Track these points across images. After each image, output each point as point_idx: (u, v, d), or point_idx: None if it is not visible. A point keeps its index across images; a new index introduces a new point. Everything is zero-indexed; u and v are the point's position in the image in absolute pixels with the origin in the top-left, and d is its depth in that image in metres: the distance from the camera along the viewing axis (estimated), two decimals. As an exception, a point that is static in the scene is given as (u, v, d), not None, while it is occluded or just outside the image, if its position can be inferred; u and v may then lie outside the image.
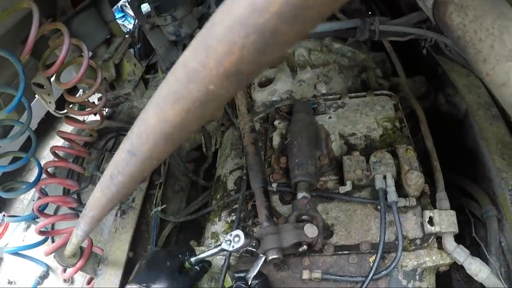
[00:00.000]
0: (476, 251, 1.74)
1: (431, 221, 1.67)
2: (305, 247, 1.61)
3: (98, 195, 1.02)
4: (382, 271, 1.60)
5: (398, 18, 2.59)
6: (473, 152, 2.13)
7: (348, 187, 1.80)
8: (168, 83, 0.57)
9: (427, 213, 1.68)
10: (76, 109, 3.11)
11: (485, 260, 1.70)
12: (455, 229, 1.66)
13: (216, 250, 1.60)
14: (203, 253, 1.64)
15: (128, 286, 1.52)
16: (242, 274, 1.63)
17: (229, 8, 0.43)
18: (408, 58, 2.82)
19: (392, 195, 1.68)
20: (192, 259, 1.63)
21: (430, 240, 1.70)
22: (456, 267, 2.05)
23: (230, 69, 0.46)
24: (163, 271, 1.56)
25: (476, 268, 1.62)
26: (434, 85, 2.65)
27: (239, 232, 1.55)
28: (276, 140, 2.15)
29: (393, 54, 2.62)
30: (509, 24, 1.16)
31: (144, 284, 1.49)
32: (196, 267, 1.65)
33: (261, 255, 1.58)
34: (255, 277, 1.58)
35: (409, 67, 2.68)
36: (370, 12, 3.12)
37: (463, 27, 1.27)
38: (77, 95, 3.43)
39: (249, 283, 1.58)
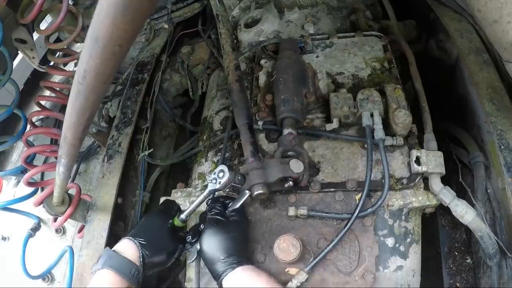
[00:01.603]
0: (463, 197, 1.73)
1: (418, 161, 1.66)
2: (291, 183, 1.60)
3: (69, 111, 0.99)
4: (368, 208, 1.60)
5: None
6: (463, 99, 2.11)
7: (334, 124, 1.78)
8: None
9: (414, 153, 1.67)
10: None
11: (471, 206, 1.68)
12: (442, 170, 1.65)
13: (204, 195, 1.59)
14: (191, 206, 1.63)
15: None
16: (221, 199, 1.64)
17: None
18: (400, 2, 2.77)
19: (379, 133, 1.67)
20: (182, 215, 1.62)
21: (416, 180, 1.70)
22: (442, 213, 2.07)
23: None
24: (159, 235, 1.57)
25: (462, 210, 1.63)
26: (425, 30, 2.62)
27: (223, 167, 1.54)
28: (262, 78, 2.11)
29: (384, -3, 2.56)
30: None
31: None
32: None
33: (245, 190, 1.57)
34: (234, 210, 1.57)
35: (401, 11, 2.62)
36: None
37: (457, -41, 1.24)
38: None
39: (226, 213, 1.58)
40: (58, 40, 2.90)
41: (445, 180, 1.70)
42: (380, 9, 2.67)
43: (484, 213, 1.72)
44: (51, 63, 2.68)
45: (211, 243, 1.46)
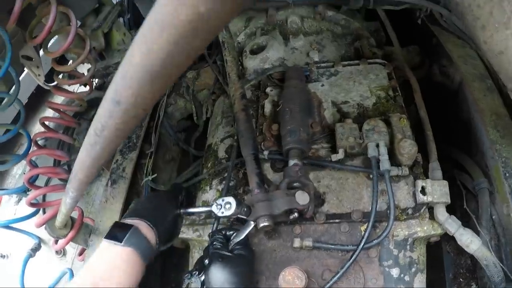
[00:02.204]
0: (467, 224, 1.73)
1: (423, 191, 1.66)
2: (296, 214, 1.60)
3: (84, 156, 0.99)
4: (373, 240, 1.59)
5: (394, -14, 2.55)
6: (467, 124, 2.11)
7: (340, 155, 1.78)
8: (155, 11, 0.53)
9: (420, 183, 1.67)
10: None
11: (476, 232, 1.69)
12: (447, 199, 1.65)
13: (205, 209, 1.60)
14: (193, 208, 1.66)
15: (130, 220, 1.49)
16: (223, 231, 1.63)
17: None
18: (403, 28, 2.79)
19: (385, 164, 1.67)
20: (181, 210, 1.65)
21: (422, 210, 1.69)
22: (447, 239, 2.07)
23: None
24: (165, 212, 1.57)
25: (467, 239, 1.62)
26: (428, 55, 2.63)
27: (231, 199, 1.54)
28: (268, 107, 2.12)
29: (387, 23, 2.58)
30: None
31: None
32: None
33: (250, 221, 1.57)
34: (239, 243, 1.56)
35: (404, 37, 2.65)
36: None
37: (462, -8, 1.25)
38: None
39: (230, 244, 1.57)
40: (63, 57, 2.92)
41: (450, 206, 1.70)
42: (384, 35, 2.70)
43: (489, 240, 1.72)
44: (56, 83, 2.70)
45: (217, 281, 1.45)
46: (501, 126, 1.88)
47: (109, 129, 0.76)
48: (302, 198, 1.58)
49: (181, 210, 1.64)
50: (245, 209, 1.56)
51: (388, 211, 1.62)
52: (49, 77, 2.67)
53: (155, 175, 2.35)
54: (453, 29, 2.43)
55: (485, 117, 1.93)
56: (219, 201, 1.56)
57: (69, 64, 3.30)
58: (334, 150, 1.85)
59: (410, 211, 1.69)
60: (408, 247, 1.66)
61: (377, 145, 1.73)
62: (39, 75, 2.56)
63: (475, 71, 2.17)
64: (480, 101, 2.01)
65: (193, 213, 1.65)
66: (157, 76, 0.60)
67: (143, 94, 0.64)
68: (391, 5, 2.56)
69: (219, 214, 1.53)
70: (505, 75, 1.25)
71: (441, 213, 1.66)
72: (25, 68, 2.55)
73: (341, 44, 2.59)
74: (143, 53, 0.56)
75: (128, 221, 1.45)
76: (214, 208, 1.55)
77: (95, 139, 0.83)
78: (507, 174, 1.74)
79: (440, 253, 2.12)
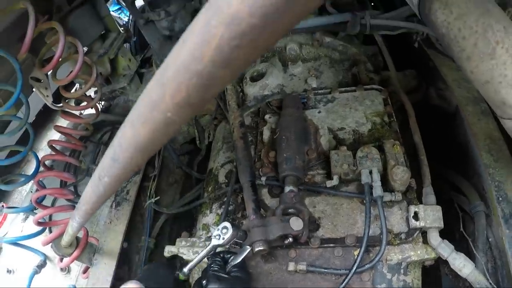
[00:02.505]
0: (465, 246, 1.76)
1: (416, 216, 1.69)
2: (290, 239, 1.66)
3: (89, 192, 1.07)
4: (366, 264, 1.64)
5: (390, 11, 2.60)
6: (464, 147, 2.14)
7: (335, 181, 1.83)
8: (139, 106, 0.65)
9: (412, 208, 1.71)
10: (73, 104, 3.15)
11: (473, 255, 1.72)
12: (440, 224, 1.68)
13: (207, 250, 1.65)
14: (194, 259, 1.68)
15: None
16: (221, 254, 1.67)
17: (176, 55, 0.51)
18: (400, 51, 2.84)
19: (378, 190, 1.71)
20: (185, 269, 1.67)
21: (415, 235, 1.72)
22: (444, 261, 2.10)
23: (181, 102, 0.54)
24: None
25: (460, 264, 1.65)
26: (425, 78, 2.66)
27: (227, 224, 1.60)
28: (266, 134, 2.18)
29: (384, 48, 2.63)
30: (492, 21, 1.17)
31: None
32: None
33: (247, 246, 1.63)
34: (235, 266, 1.61)
35: (401, 60, 2.69)
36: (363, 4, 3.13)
37: (448, 24, 1.28)
38: (73, 89, 3.48)
39: (227, 266, 1.62)
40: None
41: (448, 227, 1.73)
42: (381, 59, 2.73)
43: (485, 262, 1.74)
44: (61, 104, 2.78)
45: None
46: (495, 150, 1.91)
47: (109, 177, 0.85)
48: (296, 224, 1.64)
49: (184, 269, 1.68)
50: (241, 233, 1.63)
51: (381, 236, 1.65)
52: (56, 97, 2.75)
53: (158, 197, 2.42)
54: (448, 53, 2.46)
55: (479, 141, 1.96)
56: (216, 231, 1.62)
57: (76, 87, 3.41)
58: (329, 176, 1.90)
59: (403, 236, 1.73)
60: (402, 270, 1.69)
61: (371, 172, 1.77)
62: (47, 96, 2.64)
63: (469, 95, 2.20)
64: (474, 125, 2.05)
65: (194, 265, 1.69)
66: (145, 148, 0.69)
67: (136, 158, 0.73)
68: (388, 30, 2.60)
69: (221, 242, 1.59)
70: (492, 103, 1.28)
71: (434, 237, 1.69)
72: (33, 89, 2.64)
73: (339, 69, 2.64)
74: (132, 134, 0.67)
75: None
76: (214, 241, 1.61)
77: (98, 182, 0.91)
78: (500, 198, 1.77)
79: (438, 275, 2.14)
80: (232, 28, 0.42)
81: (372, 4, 3.11)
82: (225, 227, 1.60)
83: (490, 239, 1.83)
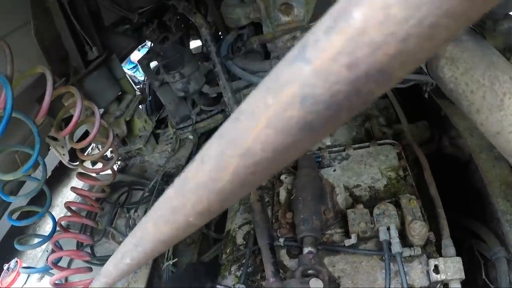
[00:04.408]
0: None
1: (436, 269, 1.68)
2: (311, 301, 1.65)
3: (111, 268, 1.09)
4: (390, 322, 1.62)
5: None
6: (480, 193, 2.14)
7: (353, 240, 1.84)
8: (160, 208, 0.67)
9: (432, 262, 1.70)
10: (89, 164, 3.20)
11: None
12: (461, 275, 1.67)
13: None
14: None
15: None
16: None
17: (196, 172, 0.54)
18: (412, 101, 2.87)
19: (396, 246, 1.71)
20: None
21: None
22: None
23: (203, 211, 0.56)
24: None
25: (483, 313, 1.64)
26: (438, 128, 2.69)
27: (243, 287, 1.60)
28: (282, 195, 2.20)
29: (395, 102, 2.67)
30: (499, 73, 1.19)
31: None
32: None
33: None
34: None
35: (414, 110, 2.72)
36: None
37: (455, 80, 1.31)
38: (89, 148, 3.55)
39: None
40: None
41: (470, 275, 1.73)
42: (393, 111, 2.77)
43: (509, 308, 1.72)
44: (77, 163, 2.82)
45: None
46: (511, 196, 1.91)
47: (131, 260, 0.87)
48: (316, 285, 1.62)
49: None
50: None
51: (402, 292, 1.64)
52: (71, 153, 2.80)
53: (176, 259, 2.42)
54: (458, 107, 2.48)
55: (494, 188, 1.97)
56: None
57: (92, 149, 3.47)
58: (347, 234, 1.90)
59: (425, 290, 1.71)
60: (426, 325, 1.67)
61: (388, 228, 1.78)
62: (63, 154, 2.69)
63: (482, 142, 2.21)
64: (488, 172, 2.06)
65: None
66: (165, 242, 0.72)
67: (157, 248, 0.76)
68: (398, 83, 2.63)
69: None
70: (504, 153, 1.28)
71: (456, 289, 1.68)
72: (49, 148, 2.70)
73: (352, 126, 2.68)
74: (155, 230, 0.69)
75: None
76: None
77: (120, 261, 0.93)
78: (520, 244, 1.75)
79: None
80: (246, 159, 0.45)
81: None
82: None
83: (513, 284, 1.82)
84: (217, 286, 1.75)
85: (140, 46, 4.42)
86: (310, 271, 1.72)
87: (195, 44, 4.29)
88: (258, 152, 0.43)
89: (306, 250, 1.79)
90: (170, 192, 0.61)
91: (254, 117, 0.41)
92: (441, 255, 1.76)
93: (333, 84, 0.36)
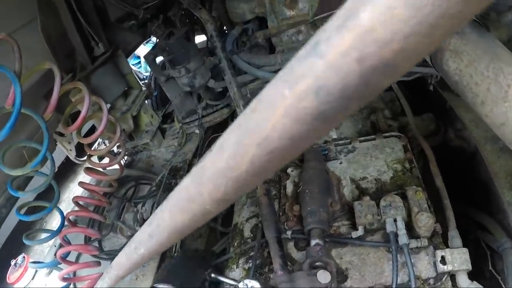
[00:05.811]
0: (497, 283, 1.75)
1: (443, 260, 1.70)
2: (319, 292, 1.66)
3: (123, 260, 1.11)
4: (397, 312, 1.63)
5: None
6: (486, 184, 2.14)
7: (360, 232, 1.85)
8: (176, 196, 0.69)
9: (439, 253, 1.72)
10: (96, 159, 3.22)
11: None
12: (468, 266, 1.68)
13: (232, 282, 1.67)
14: (221, 277, 1.78)
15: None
16: None
17: (214, 160, 0.56)
18: (418, 94, 2.87)
19: (403, 238, 1.72)
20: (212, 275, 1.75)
21: (443, 279, 1.72)
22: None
23: (219, 198, 0.58)
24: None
25: (491, 304, 1.65)
26: (443, 120, 2.69)
27: (255, 284, 1.62)
28: (289, 187, 2.22)
29: (400, 95, 2.68)
30: (503, 65, 1.19)
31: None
32: None
33: None
34: None
35: (419, 102, 2.72)
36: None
37: (460, 72, 1.31)
38: (96, 143, 3.57)
39: None
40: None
41: (477, 266, 1.73)
42: (399, 104, 2.77)
43: (516, 299, 1.73)
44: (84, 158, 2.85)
45: None
46: (517, 187, 1.91)
47: (145, 250, 0.89)
48: (323, 277, 1.64)
49: (211, 275, 1.72)
50: None
51: (410, 283, 1.66)
52: (78, 148, 2.84)
53: (183, 253, 2.44)
54: (463, 98, 2.48)
55: (500, 179, 1.98)
56: (246, 281, 1.64)
57: (98, 144, 3.49)
58: (354, 226, 1.91)
59: (432, 281, 1.72)
60: (432, 316, 1.68)
61: (395, 220, 1.79)
62: (70, 150, 2.72)
63: (487, 134, 2.21)
64: (494, 163, 2.06)
65: (220, 281, 1.73)
66: (181, 231, 0.74)
67: (172, 237, 0.78)
68: (403, 76, 2.65)
69: None
70: (509, 144, 1.28)
71: (462, 280, 1.70)
72: (56, 143, 2.72)
73: (358, 119, 2.69)
74: (170, 218, 0.71)
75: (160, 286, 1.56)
76: (241, 285, 1.63)
77: (133, 252, 0.95)
78: (526, 235, 1.75)
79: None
80: (264, 147, 0.47)
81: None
82: (253, 287, 1.62)
83: (520, 275, 1.82)
84: (224, 280, 1.77)
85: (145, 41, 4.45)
86: (317, 263, 1.73)
87: (200, 39, 4.29)
88: (275, 140, 0.45)
89: (313, 242, 1.80)
90: (187, 181, 0.63)
91: (272, 108, 0.43)
92: (447, 246, 1.77)
93: (344, 77, 0.38)
